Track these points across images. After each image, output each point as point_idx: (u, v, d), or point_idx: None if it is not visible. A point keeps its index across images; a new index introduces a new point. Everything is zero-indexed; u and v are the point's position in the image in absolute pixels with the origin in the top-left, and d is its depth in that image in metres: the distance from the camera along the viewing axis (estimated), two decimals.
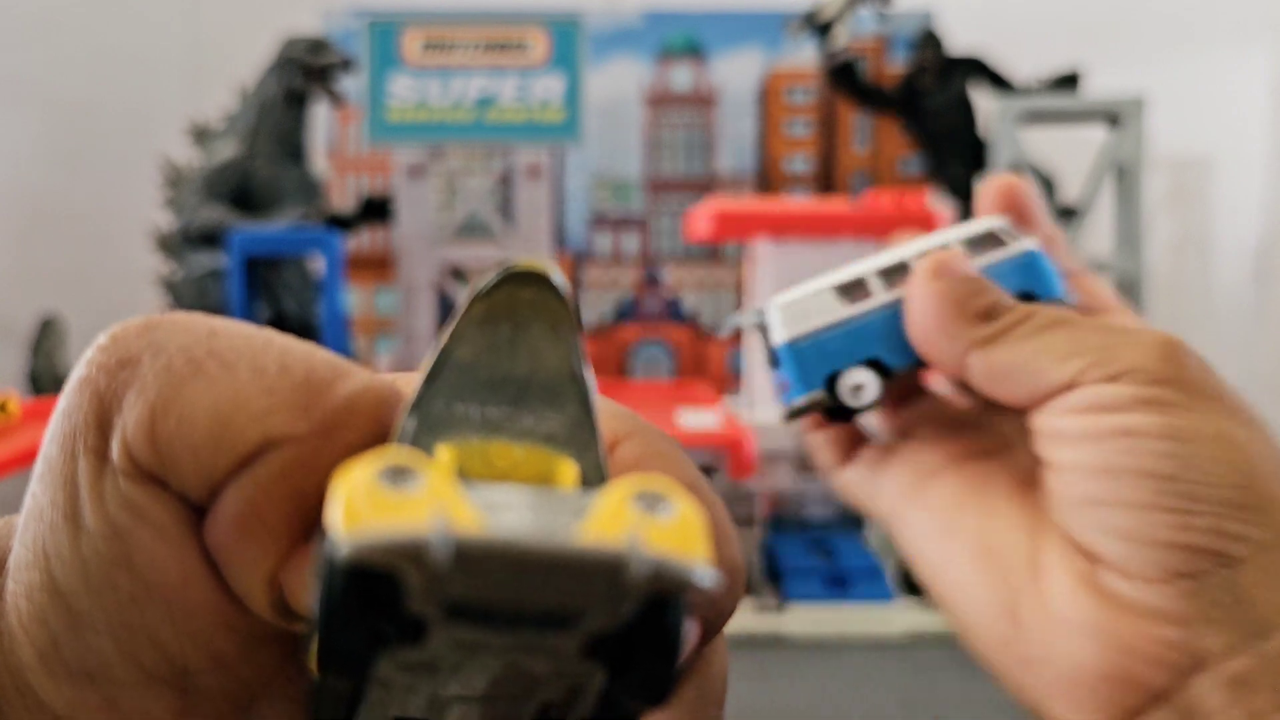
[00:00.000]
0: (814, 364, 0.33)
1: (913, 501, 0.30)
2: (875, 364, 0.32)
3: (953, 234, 0.31)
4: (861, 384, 0.32)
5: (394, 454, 0.13)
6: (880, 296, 0.31)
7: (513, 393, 0.15)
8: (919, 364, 0.31)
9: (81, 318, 1.34)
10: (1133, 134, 1.17)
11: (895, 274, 0.30)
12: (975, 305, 0.28)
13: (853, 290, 0.31)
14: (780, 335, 0.33)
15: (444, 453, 0.14)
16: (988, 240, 0.31)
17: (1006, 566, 0.27)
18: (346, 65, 1.28)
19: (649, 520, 0.12)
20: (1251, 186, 1.38)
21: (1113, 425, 0.25)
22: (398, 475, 0.12)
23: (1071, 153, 1.23)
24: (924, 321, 0.28)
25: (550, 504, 0.13)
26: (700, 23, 1.52)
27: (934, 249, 0.30)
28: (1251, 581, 0.24)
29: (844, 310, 0.32)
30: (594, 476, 0.15)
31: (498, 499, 0.13)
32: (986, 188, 0.32)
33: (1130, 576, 0.24)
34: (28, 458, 0.97)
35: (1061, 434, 0.26)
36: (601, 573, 0.12)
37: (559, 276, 0.15)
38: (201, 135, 1.30)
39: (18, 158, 1.49)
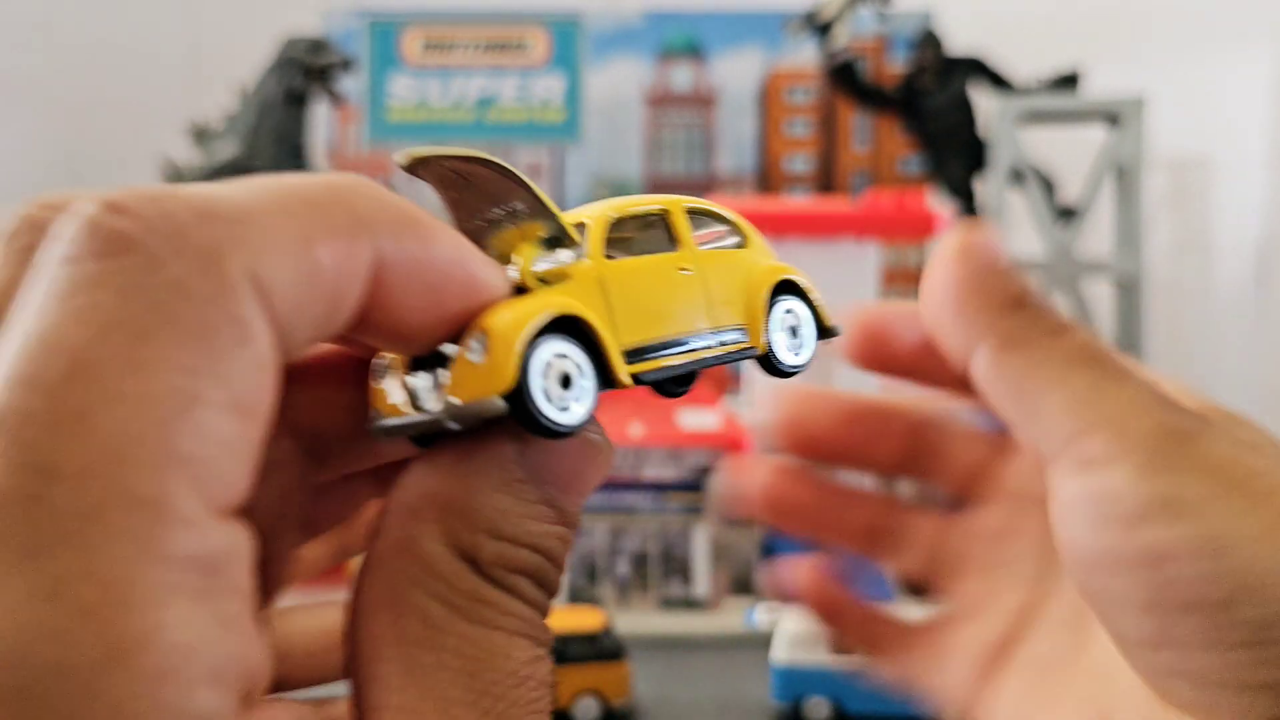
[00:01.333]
0: (793, 684, 0.50)
1: (988, 683, 0.27)
2: (837, 704, 0.48)
3: None
4: (818, 713, 0.49)
5: None
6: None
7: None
8: (875, 713, 0.44)
9: None
10: (1133, 134, 1.17)
11: None
12: (1000, 290, 0.24)
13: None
14: (778, 653, 0.54)
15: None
16: None
17: None
18: (346, 65, 1.28)
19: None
20: (1252, 187, 1.38)
21: (1130, 539, 0.21)
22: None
23: (1071, 153, 1.23)
24: (939, 301, 0.24)
25: None
26: (700, 23, 1.52)
27: None
28: None
29: (829, 659, 0.46)
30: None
31: None
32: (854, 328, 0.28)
33: None
34: None
35: (1071, 521, 0.22)
36: None
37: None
38: (201, 135, 1.30)
39: (16, 158, 1.49)
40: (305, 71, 1.25)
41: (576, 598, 0.90)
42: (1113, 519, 0.21)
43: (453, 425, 0.17)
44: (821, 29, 1.29)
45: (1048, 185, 1.22)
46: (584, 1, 1.40)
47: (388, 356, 0.19)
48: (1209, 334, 1.42)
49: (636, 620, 0.83)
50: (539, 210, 0.19)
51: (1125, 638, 0.21)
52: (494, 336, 0.17)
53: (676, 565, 0.88)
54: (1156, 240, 1.32)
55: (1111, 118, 1.19)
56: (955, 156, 1.26)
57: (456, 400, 0.17)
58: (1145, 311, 1.17)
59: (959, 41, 1.29)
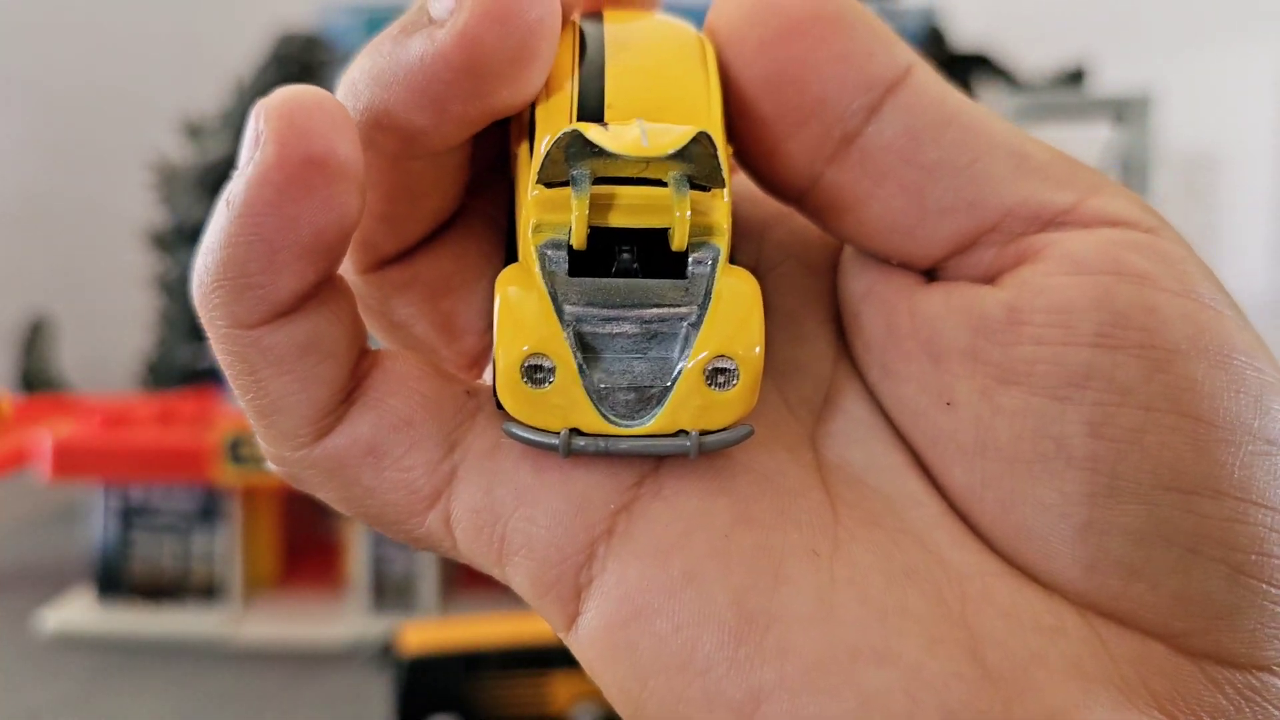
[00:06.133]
0: None
1: None
2: None
3: None
4: None
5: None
6: None
7: None
8: None
9: (73, 317, 1.32)
10: (1140, 130, 1.16)
11: None
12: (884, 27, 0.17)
13: None
14: None
15: None
16: None
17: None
18: (341, 62, 1.26)
19: None
20: (1262, 183, 1.37)
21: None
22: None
23: (1078, 150, 1.21)
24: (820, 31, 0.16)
25: None
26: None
27: None
28: None
29: None
30: None
31: None
32: None
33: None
34: (20, 458, 0.95)
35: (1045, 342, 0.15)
36: None
37: None
38: (195, 131, 1.28)
39: (6, 153, 1.48)
40: (300, 68, 1.24)
41: None
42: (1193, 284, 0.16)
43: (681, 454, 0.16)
44: None
45: None
46: None
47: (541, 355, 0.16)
48: None
49: None
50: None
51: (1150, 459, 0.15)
52: (747, 366, 0.16)
53: None
54: None
55: (1118, 114, 1.17)
56: None
57: (700, 430, 0.16)
58: None
59: (964, 38, 1.28)
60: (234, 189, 0.15)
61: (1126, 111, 1.16)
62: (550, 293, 0.15)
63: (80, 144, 1.47)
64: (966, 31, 1.29)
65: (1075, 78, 1.22)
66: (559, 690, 0.69)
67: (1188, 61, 1.36)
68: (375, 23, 1.30)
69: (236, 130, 1.24)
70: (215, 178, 1.23)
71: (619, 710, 0.16)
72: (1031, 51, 1.26)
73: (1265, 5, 1.34)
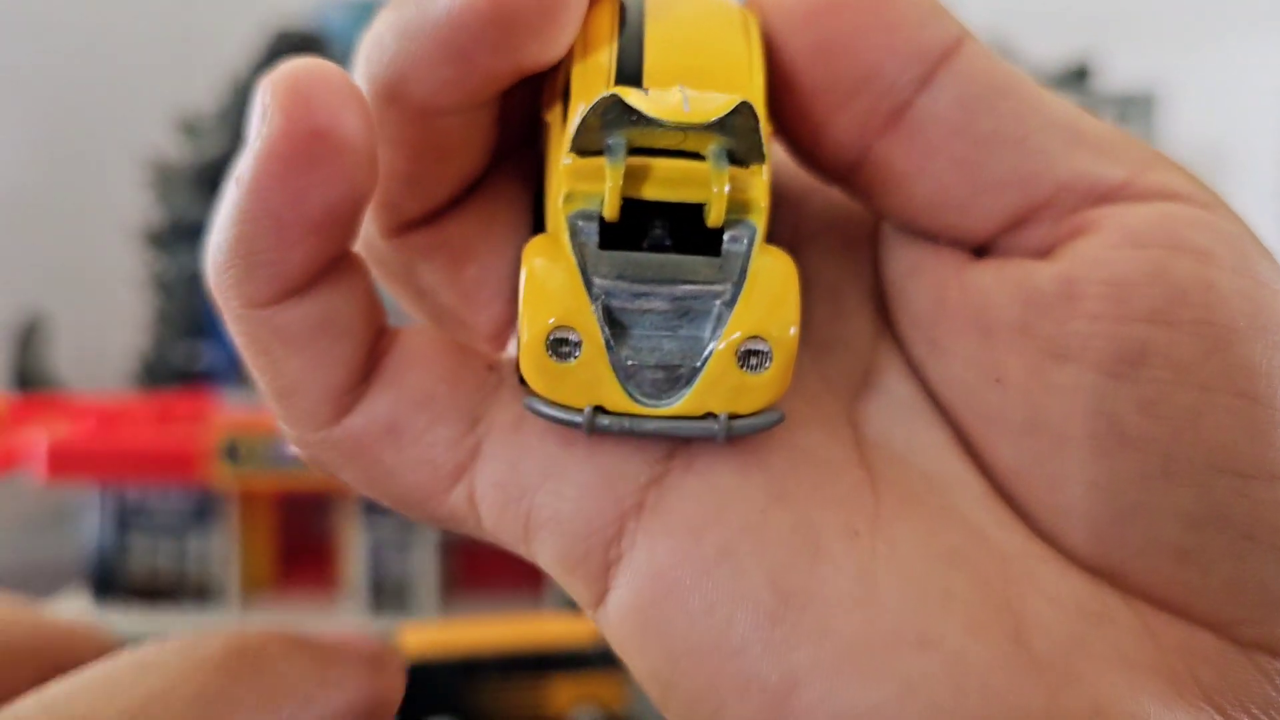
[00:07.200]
0: None
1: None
2: None
3: None
4: None
5: None
6: None
7: None
8: None
9: (69, 316, 1.32)
10: (1146, 128, 1.15)
11: None
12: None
13: None
14: None
15: None
16: None
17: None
18: (339, 60, 1.26)
19: None
20: (1269, 180, 1.37)
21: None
22: None
23: None
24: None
25: None
26: None
27: None
28: None
29: None
30: None
31: None
32: None
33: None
34: (15, 457, 0.95)
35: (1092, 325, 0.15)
36: None
37: None
38: (191, 129, 1.28)
39: (0, 151, 1.47)
40: None
41: (576, 604, 0.88)
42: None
43: (709, 439, 0.16)
44: None
45: None
46: None
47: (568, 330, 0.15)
48: None
49: None
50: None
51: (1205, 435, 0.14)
52: (781, 348, 0.15)
53: None
54: None
55: (1124, 111, 1.17)
56: None
57: (729, 414, 0.15)
58: None
59: None
60: (242, 165, 0.15)
61: (1132, 109, 1.15)
62: (579, 264, 0.15)
63: (75, 141, 1.47)
64: (970, 27, 1.28)
65: (1080, 74, 1.22)
66: (559, 694, 0.69)
67: (1194, 58, 1.36)
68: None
69: (233, 128, 1.24)
70: (211, 175, 1.22)
71: (649, 691, 0.16)
72: (1036, 48, 1.25)
73: (1272, 2, 1.34)
